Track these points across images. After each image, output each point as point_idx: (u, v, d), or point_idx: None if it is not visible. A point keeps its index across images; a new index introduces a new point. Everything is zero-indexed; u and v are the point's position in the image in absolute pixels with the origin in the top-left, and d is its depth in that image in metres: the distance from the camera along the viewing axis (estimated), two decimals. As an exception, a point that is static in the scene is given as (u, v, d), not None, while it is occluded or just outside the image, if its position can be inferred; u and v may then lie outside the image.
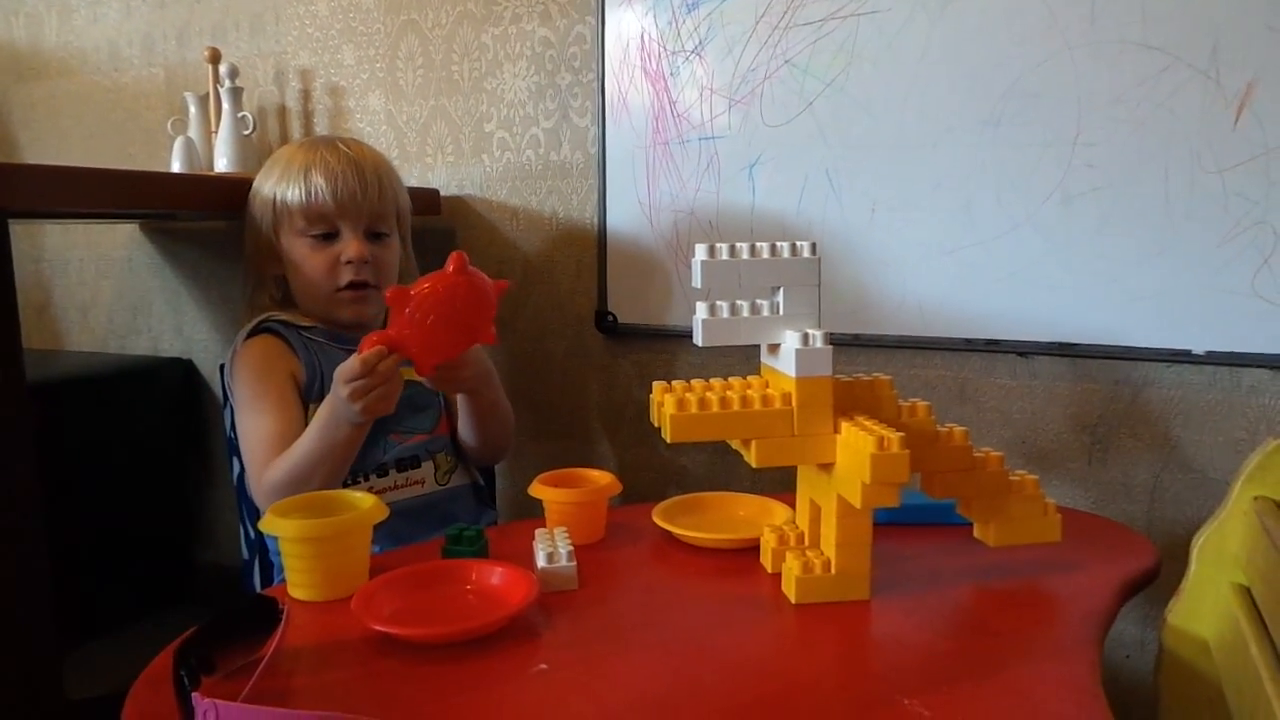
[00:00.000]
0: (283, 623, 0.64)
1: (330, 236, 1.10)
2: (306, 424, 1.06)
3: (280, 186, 1.10)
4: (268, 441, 1.03)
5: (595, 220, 1.43)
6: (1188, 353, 1.11)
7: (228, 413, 1.13)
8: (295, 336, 1.11)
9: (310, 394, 1.09)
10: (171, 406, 1.83)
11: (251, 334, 1.11)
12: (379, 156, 1.16)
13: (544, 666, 0.64)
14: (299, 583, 0.74)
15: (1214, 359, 1.11)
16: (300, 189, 1.09)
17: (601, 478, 0.91)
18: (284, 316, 1.13)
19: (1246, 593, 0.69)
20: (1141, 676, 1.18)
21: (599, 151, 1.40)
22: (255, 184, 1.15)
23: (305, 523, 0.73)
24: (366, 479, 1.08)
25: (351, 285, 1.10)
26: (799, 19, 1.25)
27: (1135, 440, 1.18)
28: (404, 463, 1.11)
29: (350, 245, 1.09)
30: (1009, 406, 1.24)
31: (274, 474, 1.00)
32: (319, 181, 1.08)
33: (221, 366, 1.17)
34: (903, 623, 0.70)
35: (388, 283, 1.13)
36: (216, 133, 1.55)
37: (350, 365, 0.91)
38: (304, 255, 1.10)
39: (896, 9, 1.19)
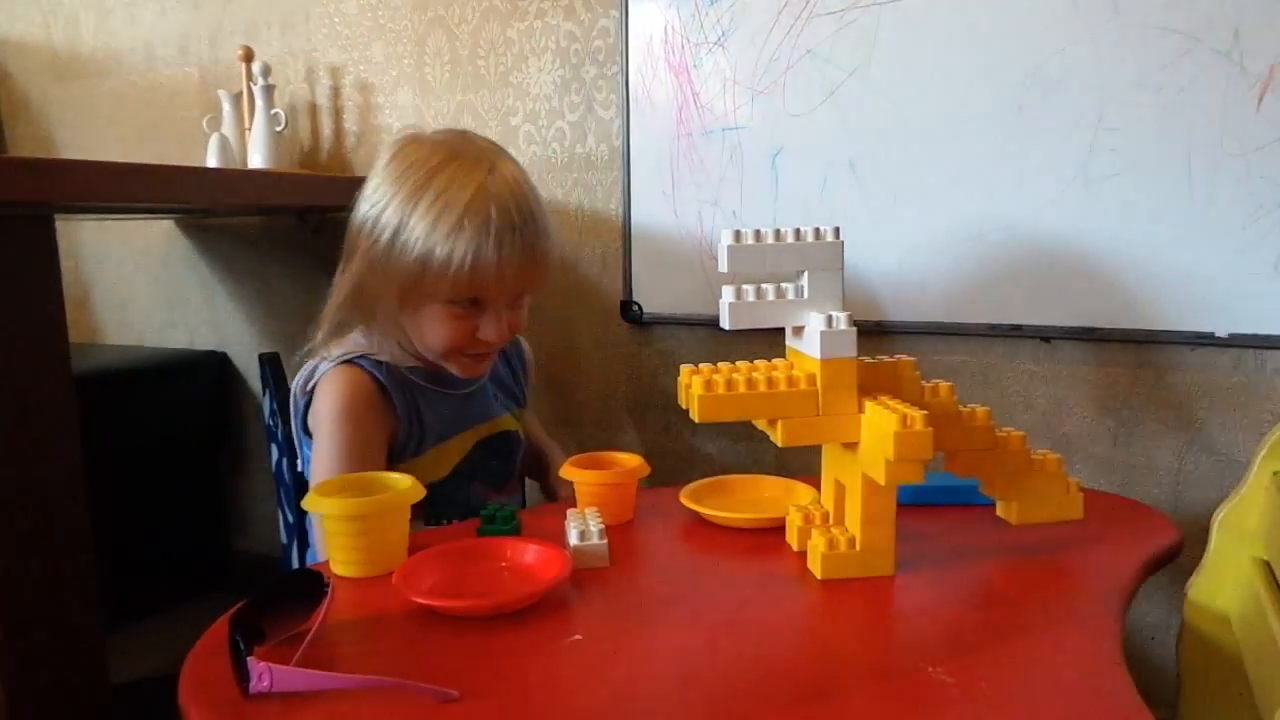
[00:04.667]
0: (329, 595, 0.67)
1: (473, 303, 0.97)
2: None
3: (442, 244, 0.92)
4: None
5: (620, 211, 1.45)
6: (1211, 335, 1.12)
7: (275, 436, 1.08)
8: (392, 381, 0.99)
9: (405, 449, 1.00)
10: (207, 398, 1.88)
11: (339, 365, 0.98)
12: (542, 209, 0.99)
13: (578, 637, 0.66)
14: (342, 559, 0.77)
15: (1238, 341, 1.11)
16: (463, 261, 0.91)
17: (630, 460, 0.93)
18: (381, 356, 1.00)
19: (1266, 566, 0.70)
20: (1167, 659, 1.19)
21: (623, 144, 1.43)
22: (396, 205, 0.95)
23: (348, 501, 0.76)
24: (450, 522, 1.00)
25: (477, 354, 1.01)
26: (821, 9, 1.26)
27: (1159, 423, 1.19)
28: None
29: (490, 326, 0.97)
30: (1033, 391, 1.25)
31: (303, 505, 0.85)
32: (487, 256, 0.92)
33: (269, 392, 1.13)
34: (927, 596, 0.72)
35: (512, 341, 1.07)
36: (250, 130, 1.59)
37: None
38: (436, 319, 0.96)
39: (918, -3, 1.20)
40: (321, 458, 0.97)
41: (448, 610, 0.69)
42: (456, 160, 0.95)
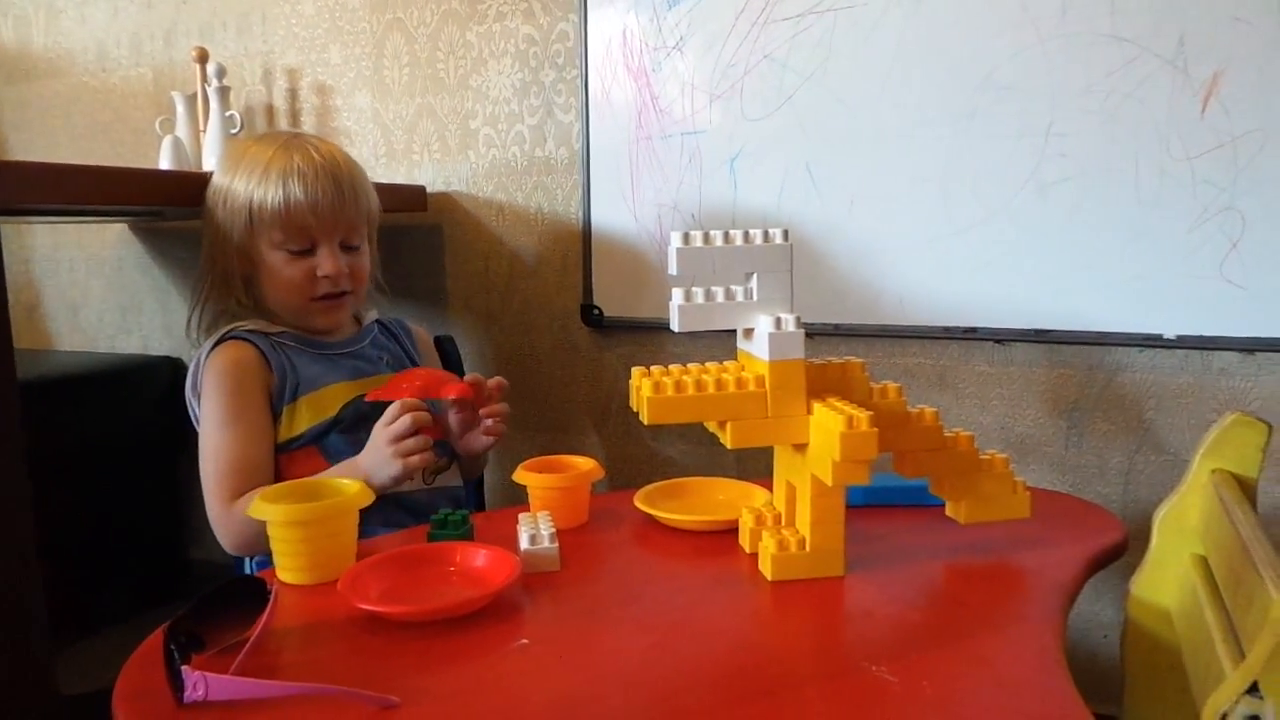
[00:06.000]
0: (271, 601, 0.66)
1: (305, 249, 1.09)
2: (274, 436, 1.06)
3: (257, 191, 1.07)
4: (237, 466, 1.03)
5: (580, 215, 1.45)
6: (1159, 337, 1.14)
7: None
8: (265, 343, 1.09)
9: (282, 399, 1.08)
10: (161, 405, 1.84)
11: (220, 341, 1.08)
12: (350, 161, 1.14)
13: (525, 641, 0.66)
14: (287, 566, 0.76)
15: (1185, 343, 1.13)
16: (278, 200, 1.06)
17: (584, 463, 0.93)
18: (251, 325, 1.10)
19: (1204, 562, 0.71)
20: (1118, 656, 1.20)
21: (583, 147, 1.42)
22: (221, 180, 1.11)
23: (293, 507, 0.75)
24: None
25: (327, 296, 1.10)
26: (778, 14, 1.27)
27: (1110, 424, 1.20)
28: None
29: (326, 261, 1.08)
30: (987, 393, 1.26)
31: (248, 512, 0.94)
32: (297, 194, 1.06)
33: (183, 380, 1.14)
34: (874, 596, 0.72)
35: (361, 288, 1.15)
36: (205, 132, 1.57)
37: (396, 425, 0.98)
38: (278, 267, 1.09)
39: (872, 4, 1.21)
40: (206, 420, 1.06)
41: (390, 616, 0.68)
42: (269, 136, 1.14)
